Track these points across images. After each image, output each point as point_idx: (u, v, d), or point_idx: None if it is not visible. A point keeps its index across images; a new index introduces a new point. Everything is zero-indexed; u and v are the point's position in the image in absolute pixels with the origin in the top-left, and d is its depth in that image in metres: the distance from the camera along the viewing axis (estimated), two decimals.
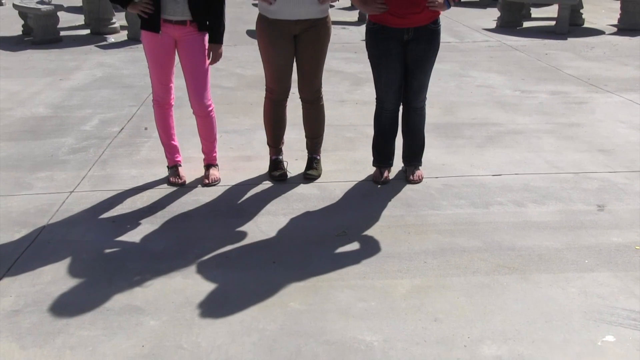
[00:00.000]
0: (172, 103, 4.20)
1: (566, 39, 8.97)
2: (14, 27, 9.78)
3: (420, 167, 4.35)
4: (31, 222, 3.75)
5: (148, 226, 3.70)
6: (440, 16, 4.00)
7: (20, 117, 5.70)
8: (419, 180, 4.26)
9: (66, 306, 2.92)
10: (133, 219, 3.78)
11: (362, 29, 4.14)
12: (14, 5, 9.27)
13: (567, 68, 7.33)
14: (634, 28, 9.42)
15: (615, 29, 9.62)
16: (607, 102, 6.05)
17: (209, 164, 4.36)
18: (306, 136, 4.41)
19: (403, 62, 3.99)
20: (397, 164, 4.39)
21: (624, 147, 4.87)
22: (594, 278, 3.12)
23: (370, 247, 3.45)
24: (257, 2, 4.03)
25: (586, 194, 4.08)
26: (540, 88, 6.53)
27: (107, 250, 3.43)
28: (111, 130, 5.34)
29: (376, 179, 4.27)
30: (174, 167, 4.32)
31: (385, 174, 4.28)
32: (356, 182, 4.29)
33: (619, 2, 9.83)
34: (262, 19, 4.00)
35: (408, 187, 4.19)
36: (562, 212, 3.83)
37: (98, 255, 3.39)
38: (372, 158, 4.34)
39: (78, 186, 4.24)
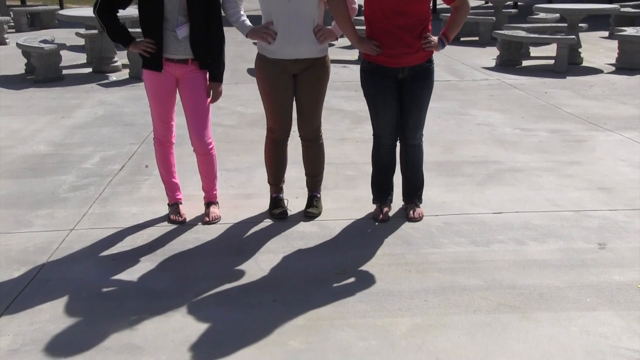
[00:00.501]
0: (173, 141, 4.22)
1: (565, 78, 9.05)
2: (17, 65, 9.88)
3: (420, 205, 4.35)
4: (30, 260, 3.74)
5: (148, 264, 3.68)
6: (440, 54, 4.05)
7: (21, 155, 5.72)
8: (420, 218, 4.26)
9: (65, 345, 2.89)
10: (133, 257, 3.77)
11: None
12: (18, 44, 9.37)
13: (566, 106, 7.38)
14: (631, 67, 9.51)
15: (613, 68, 9.71)
16: (607, 140, 6.07)
17: (210, 201, 4.37)
18: (306, 174, 4.42)
19: (398, 99, 4.02)
20: (398, 201, 4.39)
21: (624, 185, 4.87)
22: (596, 317, 3.10)
23: (371, 285, 3.43)
24: (256, 41, 4.07)
25: (587, 232, 4.07)
26: (540, 126, 6.56)
27: (107, 289, 3.41)
28: (112, 167, 5.36)
29: (376, 217, 4.26)
30: (174, 205, 4.32)
31: (385, 210, 4.27)
32: (356, 220, 4.28)
33: (617, 41, 9.94)
34: (261, 58, 4.04)
35: (408, 224, 4.19)
36: (563, 250, 3.82)
37: (97, 293, 3.37)
38: (372, 196, 4.35)
39: (78, 224, 4.24)
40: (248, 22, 3.99)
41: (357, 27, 4.01)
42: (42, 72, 8.93)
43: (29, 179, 5.11)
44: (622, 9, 12.23)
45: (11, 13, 15.08)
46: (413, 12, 3.80)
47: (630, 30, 10.02)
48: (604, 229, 4.10)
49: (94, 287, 3.43)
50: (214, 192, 4.38)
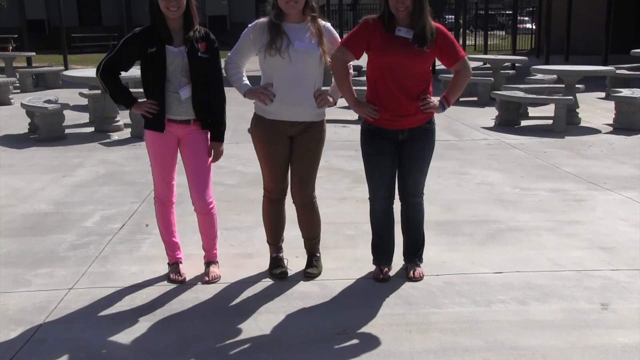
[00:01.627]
0: (174, 200, 4.24)
1: (564, 138, 9.13)
2: (21, 125, 9.98)
3: (420, 265, 4.33)
4: (28, 319, 3.70)
5: (147, 324, 3.64)
6: (439, 114, 4.08)
7: (21, 214, 5.73)
8: (420, 278, 4.23)
9: None
10: (132, 317, 3.73)
11: None
12: (22, 104, 9.50)
13: (565, 166, 7.42)
14: (629, 128, 9.60)
15: (611, 128, 9.80)
16: (607, 199, 6.09)
17: (210, 261, 4.35)
18: (303, 237, 4.41)
19: (396, 160, 4.05)
20: (399, 261, 4.37)
21: (626, 245, 4.86)
22: None
23: (372, 346, 3.38)
24: (254, 101, 4.11)
25: (589, 292, 4.04)
26: (540, 185, 6.59)
27: (105, 350, 3.37)
28: (112, 226, 5.35)
29: (376, 277, 4.24)
30: (174, 264, 4.30)
31: (385, 269, 4.25)
32: (357, 280, 4.25)
33: (613, 102, 10.06)
34: (258, 119, 4.07)
35: (409, 284, 4.16)
36: (566, 311, 3.78)
37: (95, 354, 3.32)
38: (372, 256, 4.33)
39: (77, 283, 4.21)
40: (247, 82, 4.05)
41: (357, 88, 4.08)
42: (45, 131, 9.02)
43: (29, 237, 5.11)
44: (618, 71, 12.42)
45: (17, 74, 15.34)
46: (414, 73, 3.87)
47: (626, 92, 10.16)
48: (607, 289, 4.07)
49: (92, 347, 3.38)
50: (214, 252, 4.36)
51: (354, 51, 3.94)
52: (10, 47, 25.00)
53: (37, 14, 31.36)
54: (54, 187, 6.62)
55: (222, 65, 4.07)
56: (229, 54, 4.06)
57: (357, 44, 3.93)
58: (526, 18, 36.43)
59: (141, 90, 4.11)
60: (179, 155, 4.13)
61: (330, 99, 4.03)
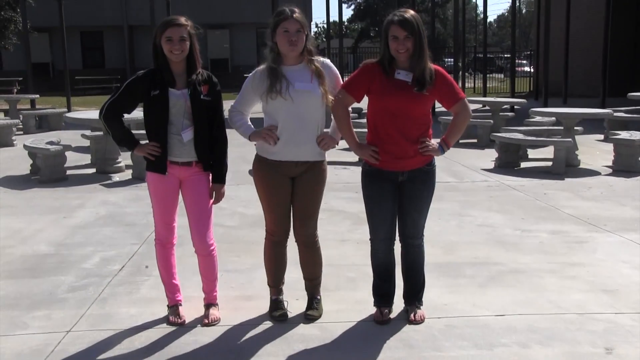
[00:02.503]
0: (174, 242, 4.23)
1: (563, 179, 9.15)
2: (22, 166, 10.01)
3: (421, 307, 4.30)
4: None
5: None
6: (439, 156, 4.10)
7: (21, 255, 5.71)
8: (421, 321, 4.19)
9: None
10: None
11: None
12: (25, 146, 9.55)
13: (566, 208, 7.42)
14: (628, 170, 9.62)
15: (610, 170, 9.82)
16: (608, 241, 6.07)
17: (209, 303, 4.32)
18: (304, 278, 4.39)
19: (396, 202, 4.05)
20: (399, 303, 4.34)
21: (628, 288, 4.83)
22: None
23: None
24: (255, 143, 4.14)
25: (592, 335, 3.99)
26: (541, 227, 6.58)
27: None
28: (112, 268, 5.33)
29: (377, 319, 4.20)
30: (174, 307, 4.26)
31: (386, 312, 4.22)
32: (357, 322, 4.22)
33: (612, 144, 10.11)
34: (260, 161, 4.09)
35: (410, 327, 4.12)
36: (569, 355, 3.74)
37: None
38: (373, 298, 4.30)
39: (75, 325, 4.18)
40: (251, 125, 4.08)
41: (357, 130, 4.11)
42: (47, 172, 9.05)
43: (27, 279, 5.08)
44: (615, 114, 12.51)
45: (21, 116, 15.46)
46: (413, 116, 3.90)
47: (624, 134, 10.21)
48: (610, 333, 4.03)
49: None
50: (214, 294, 4.34)
51: (355, 95, 3.99)
52: (15, 90, 25.26)
53: (42, 58, 31.80)
54: (54, 228, 6.61)
55: (224, 108, 4.12)
56: (233, 103, 4.10)
57: (358, 88, 3.98)
58: (524, 61, 36.84)
59: (143, 132, 4.14)
60: (180, 196, 4.14)
61: (332, 141, 4.06)
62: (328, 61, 4.11)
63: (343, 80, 4.14)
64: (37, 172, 9.33)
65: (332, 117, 4.13)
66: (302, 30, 3.90)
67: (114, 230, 6.52)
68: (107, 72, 32.55)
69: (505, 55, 41.94)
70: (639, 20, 21.90)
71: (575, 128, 10.87)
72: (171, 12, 20.34)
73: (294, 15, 3.89)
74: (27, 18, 19.37)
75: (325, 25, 27.58)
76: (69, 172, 9.53)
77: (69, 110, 17.89)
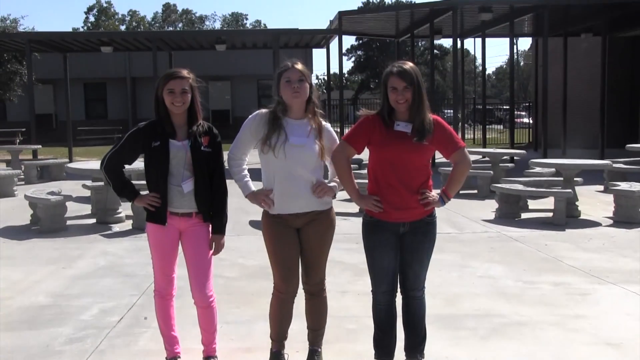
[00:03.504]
0: (174, 294, 4.19)
1: (564, 230, 9.13)
2: (22, 217, 10.01)
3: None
4: None
5: None
6: (439, 207, 4.10)
7: (18, 307, 5.66)
8: None
9: None
10: None
11: None
12: (26, 196, 9.56)
13: (567, 259, 7.38)
14: (629, 221, 9.60)
15: (611, 221, 9.81)
16: (611, 293, 6.02)
17: (209, 356, 4.25)
18: (308, 327, 4.34)
19: (398, 254, 4.04)
20: (400, 355, 4.28)
21: (633, 341, 4.76)
22: None
23: None
24: None
25: None
26: (542, 279, 6.53)
27: None
28: (110, 319, 5.28)
29: None
30: (173, 359, 4.21)
31: None
32: None
33: (612, 195, 10.12)
34: (266, 215, 4.10)
35: None
36: None
37: None
38: (374, 350, 4.25)
39: None
40: (250, 184, 4.08)
41: (358, 181, 4.12)
42: (47, 223, 9.04)
43: (24, 331, 5.02)
44: (614, 165, 12.56)
45: (22, 166, 15.54)
46: (413, 167, 3.92)
47: (624, 185, 10.23)
48: None
49: None
50: (213, 346, 4.28)
51: (356, 146, 4.02)
52: (18, 140, 25.45)
53: (46, 109, 32.15)
54: (52, 279, 6.56)
55: (225, 158, 4.13)
56: (231, 147, 4.12)
57: (358, 140, 4.02)
58: (523, 113, 37.17)
59: (144, 182, 4.16)
60: (180, 247, 4.12)
61: (329, 189, 4.06)
62: (328, 125, 4.15)
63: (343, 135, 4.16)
64: (37, 223, 9.32)
65: (328, 166, 4.16)
66: (304, 79, 3.96)
67: (113, 281, 6.48)
68: (110, 123, 32.83)
69: (504, 107, 42.35)
70: (635, 71, 22.14)
71: (575, 179, 10.90)
72: (174, 64, 20.67)
73: (295, 66, 3.96)
74: (33, 70, 19.64)
75: (325, 77, 27.92)
76: (69, 222, 9.52)
77: (71, 161, 18.00)
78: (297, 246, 4.06)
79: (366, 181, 4.11)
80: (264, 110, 4.06)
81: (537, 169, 12.74)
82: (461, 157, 4.02)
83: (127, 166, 4.18)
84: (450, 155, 4.03)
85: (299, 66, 3.98)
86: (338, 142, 4.13)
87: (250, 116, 4.10)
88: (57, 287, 6.29)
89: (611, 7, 17.70)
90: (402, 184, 3.91)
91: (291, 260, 4.06)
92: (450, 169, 4.17)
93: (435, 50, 45.82)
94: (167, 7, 70.68)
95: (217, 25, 69.45)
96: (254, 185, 4.08)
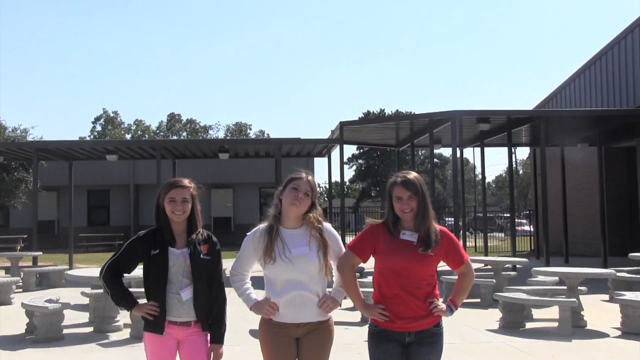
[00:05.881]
0: None
1: (571, 341, 8.92)
2: (18, 325, 9.84)
3: None
4: None
5: None
6: (442, 318, 4.05)
7: None
8: None
9: None
10: None
11: (365, 329, 4.16)
12: (23, 304, 9.43)
13: None
14: (638, 332, 9.38)
15: (619, 332, 9.59)
16: None
17: None
18: None
19: None
20: None
21: None
22: None
23: None
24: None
25: None
26: None
27: None
28: None
29: None
30: None
31: None
32: None
33: (618, 305, 9.96)
34: (264, 322, 4.04)
35: None
36: None
37: None
38: None
39: None
40: (253, 295, 4.05)
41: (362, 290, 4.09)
42: (43, 331, 8.87)
43: None
44: (618, 274, 12.45)
45: (21, 273, 15.43)
46: (418, 276, 3.90)
47: (629, 295, 10.09)
48: None
49: None
50: None
51: (361, 255, 4.03)
52: (19, 247, 25.43)
53: (48, 215, 32.32)
54: None
55: (226, 267, 4.12)
56: (233, 264, 4.11)
57: (363, 248, 4.02)
58: (524, 220, 37.31)
59: (143, 290, 4.12)
60: (177, 357, 4.03)
61: (335, 303, 4.02)
62: (328, 225, 4.17)
63: (344, 242, 4.17)
64: (33, 331, 9.15)
65: (333, 277, 4.13)
66: (309, 194, 4.01)
67: None
68: (111, 230, 32.90)
69: (505, 215, 42.54)
70: (631, 181, 22.38)
71: (579, 288, 10.78)
72: (177, 172, 20.96)
73: (309, 178, 4.05)
74: (38, 178, 19.90)
75: (327, 186, 28.28)
76: (66, 330, 9.35)
77: (71, 268, 17.89)
78: (294, 355, 3.98)
79: (368, 289, 4.08)
80: (262, 225, 4.09)
81: (540, 278, 12.64)
82: (466, 269, 4.05)
83: (126, 274, 4.16)
84: (457, 268, 4.06)
85: (311, 180, 4.06)
86: (340, 240, 4.13)
87: (249, 233, 4.12)
88: None
89: (603, 119, 18.15)
90: (407, 293, 3.88)
91: None
92: (451, 277, 4.15)
93: (435, 159, 46.66)
94: (172, 116, 72.51)
95: (221, 134, 71.05)
96: (257, 294, 4.04)
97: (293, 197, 3.98)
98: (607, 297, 12.93)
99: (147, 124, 72.33)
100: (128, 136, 68.53)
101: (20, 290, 14.64)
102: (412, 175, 3.98)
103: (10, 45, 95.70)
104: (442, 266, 4.24)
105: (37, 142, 21.48)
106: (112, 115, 70.24)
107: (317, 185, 4.15)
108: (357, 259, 4.03)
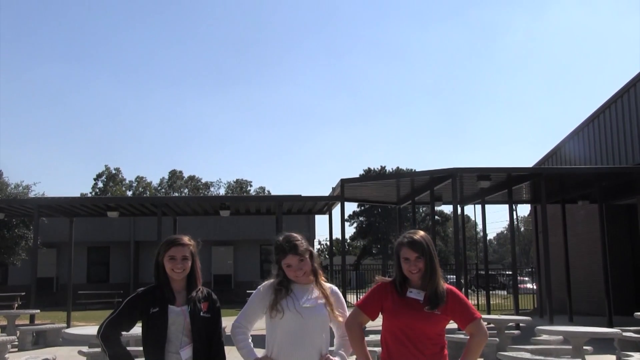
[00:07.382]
0: None
1: None
2: None
3: None
4: None
5: None
6: None
7: None
8: None
9: None
10: None
11: None
12: None
13: None
14: None
15: None
16: None
17: None
18: None
19: None
20: None
21: None
22: None
23: None
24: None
25: None
26: None
27: None
28: None
29: None
30: None
31: None
32: None
33: None
34: None
35: None
36: None
37: None
38: None
39: None
40: (254, 350, 3.99)
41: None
42: None
43: None
44: (625, 333, 12.26)
45: (18, 332, 15.21)
46: (425, 336, 3.85)
47: (637, 356, 9.91)
48: None
49: None
50: None
51: (369, 313, 4.00)
52: (16, 305, 25.17)
53: (47, 272, 32.06)
54: None
55: (226, 324, 4.07)
56: (237, 317, 4.06)
57: (372, 307, 4.00)
58: (526, 278, 36.99)
59: (141, 348, 4.05)
60: None
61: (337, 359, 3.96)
62: (335, 288, 4.17)
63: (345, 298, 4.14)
64: None
65: (335, 334, 4.08)
66: (304, 259, 3.99)
67: None
68: (111, 287, 32.60)
69: (507, 272, 42.23)
70: (633, 238, 22.29)
71: (585, 347, 10.60)
72: (178, 229, 20.90)
73: (297, 251, 3.97)
74: (38, 234, 19.83)
75: (328, 243, 28.17)
76: None
77: (69, 326, 17.66)
78: None
79: (375, 349, 4.02)
80: (269, 281, 4.06)
81: (544, 337, 12.45)
82: (477, 328, 3.94)
83: (125, 332, 4.09)
84: (466, 326, 3.97)
85: (299, 246, 3.99)
86: (344, 302, 4.10)
87: (259, 286, 4.08)
88: None
89: (603, 176, 18.20)
90: (414, 352, 3.82)
91: None
92: (458, 336, 4.09)
93: (436, 217, 46.64)
94: (173, 173, 72.83)
95: (222, 191, 71.20)
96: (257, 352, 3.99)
97: (293, 276, 3.98)
98: (613, 357, 12.70)
99: (149, 180, 72.61)
100: (129, 193, 68.66)
101: (16, 349, 14.40)
102: (419, 235, 3.96)
103: (13, 103, 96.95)
104: (451, 324, 4.17)
105: (39, 199, 21.48)
106: (114, 172, 70.56)
107: (308, 244, 4.13)
108: (365, 317, 4.01)
